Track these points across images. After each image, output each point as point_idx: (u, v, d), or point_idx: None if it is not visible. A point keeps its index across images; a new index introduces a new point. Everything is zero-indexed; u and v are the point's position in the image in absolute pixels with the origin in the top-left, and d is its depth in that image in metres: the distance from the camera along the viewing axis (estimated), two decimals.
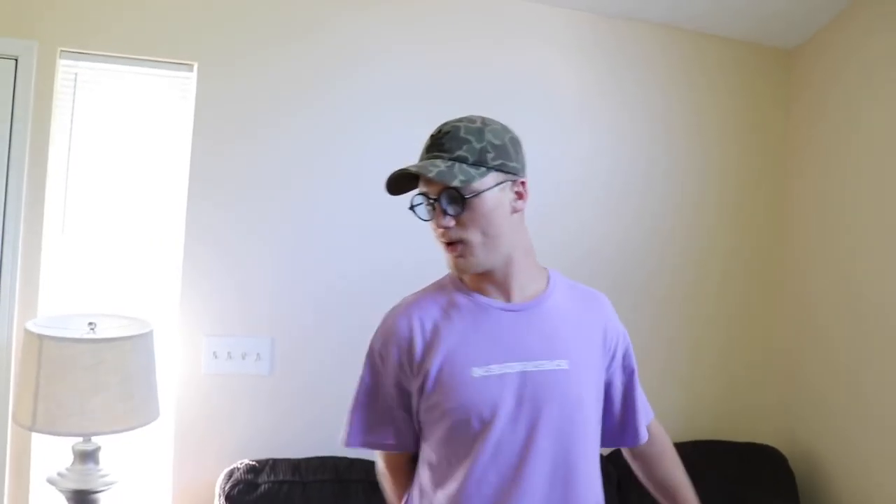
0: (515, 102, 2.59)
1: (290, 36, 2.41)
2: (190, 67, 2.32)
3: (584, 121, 2.70)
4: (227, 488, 2.07)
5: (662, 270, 2.76)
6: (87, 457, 1.95)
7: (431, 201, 1.20)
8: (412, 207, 1.23)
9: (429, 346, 1.20)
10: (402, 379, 1.23)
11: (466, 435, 1.17)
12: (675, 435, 1.84)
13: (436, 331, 1.21)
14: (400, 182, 1.23)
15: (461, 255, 1.19)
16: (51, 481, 1.92)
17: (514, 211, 1.21)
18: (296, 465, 2.18)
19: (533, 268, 1.27)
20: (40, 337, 1.84)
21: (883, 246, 2.46)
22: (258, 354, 2.30)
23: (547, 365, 1.19)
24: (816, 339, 2.75)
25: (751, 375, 2.87)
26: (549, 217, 2.60)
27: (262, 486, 2.08)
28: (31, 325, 1.90)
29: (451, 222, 1.17)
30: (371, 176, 2.47)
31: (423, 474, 1.25)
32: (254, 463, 2.16)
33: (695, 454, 2.47)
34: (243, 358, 2.29)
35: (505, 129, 1.23)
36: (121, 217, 2.28)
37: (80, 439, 1.95)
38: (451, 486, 1.18)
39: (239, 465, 2.15)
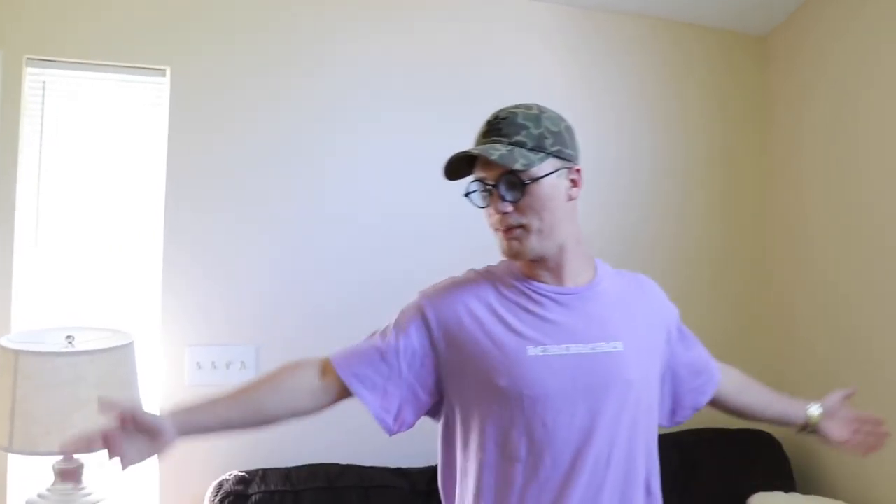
0: (496, 97, 2.56)
1: (267, 36, 2.37)
2: (162, 72, 2.27)
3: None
4: (216, 501, 2.01)
5: (654, 266, 2.73)
6: (68, 475, 1.88)
7: (488, 187, 1.18)
8: (467, 194, 1.22)
9: (480, 324, 1.19)
10: (429, 348, 1.21)
11: (520, 415, 1.15)
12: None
13: (490, 309, 1.20)
14: (453, 167, 1.21)
15: (517, 239, 1.18)
16: (31, 503, 1.85)
17: (570, 199, 1.21)
18: (286, 474, 2.12)
19: (584, 256, 1.27)
20: (16, 352, 1.77)
21: (863, 230, 2.47)
22: (243, 363, 2.24)
23: (603, 347, 1.19)
24: (803, 334, 2.76)
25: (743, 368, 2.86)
26: None
27: (253, 497, 2.02)
28: (5, 341, 1.82)
29: (510, 208, 1.16)
30: (357, 177, 2.45)
31: (485, 476, 1.18)
32: (243, 474, 2.10)
33: (691, 442, 2.48)
34: (228, 367, 2.23)
35: (560, 117, 1.23)
36: (96, 226, 2.22)
37: (61, 458, 1.88)
38: (508, 475, 1.15)
39: (228, 477, 2.08)
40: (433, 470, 2.26)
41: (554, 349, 1.16)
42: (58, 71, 2.17)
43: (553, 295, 1.21)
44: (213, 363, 2.21)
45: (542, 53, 2.67)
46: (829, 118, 2.64)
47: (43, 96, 2.16)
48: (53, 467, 1.88)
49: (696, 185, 2.84)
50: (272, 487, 2.06)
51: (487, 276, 1.27)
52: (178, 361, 2.20)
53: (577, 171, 1.22)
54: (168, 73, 2.26)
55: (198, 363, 2.20)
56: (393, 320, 1.26)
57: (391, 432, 1.23)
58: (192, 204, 2.26)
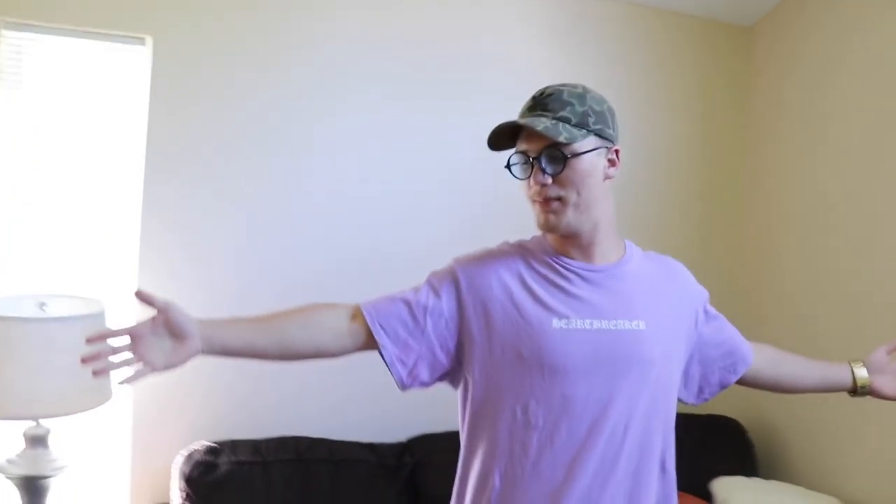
0: (478, 78, 2.59)
1: (250, 11, 2.35)
2: (142, 41, 2.25)
3: None
4: (186, 470, 2.03)
5: None
6: (37, 441, 1.89)
7: (530, 159, 1.21)
8: (508, 166, 1.25)
9: (509, 294, 1.22)
10: (456, 312, 1.24)
11: (539, 384, 1.18)
12: None
13: (519, 280, 1.24)
14: (496, 140, 1.25)
15: (554, 213, 1.21)
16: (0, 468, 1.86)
17: (606, 178, 1.25)
18: (256, 446, 2.15)
19: (614, 236, 1.31)
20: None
21: (843, 220, 2.51)
22: None
23: (626, 325, 1.22)
24: (772, 322, 2.80)
25: None
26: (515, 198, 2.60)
27: (223, 467, 2.05)
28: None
29: (550, 180, 1.19)
30: (339, 154, 2.45)
31: (500, 442, 1.22)
32: (213, 444, 2.12)
33: None
34: None
35: (603, 99, 1.27)
36: (73, 194, 2.20)
37: (31, 423, 1.89)
38: (524, 442, 1.19)
39: (198, 447, 2.11)
40: (402, 445, 2.31)
41: (577, 323, 1.19)
42: (35, 35, 2.15)
43: (581, 271, 1.25)
44: None
45: (527, 36, 2.68)
46: (807, 109, 2.67)
47: (20, 61, 2.14)
48: (24, 433, 1.89)
49: (677, 172, 2.87)
50: (242, 458, 2.09)
51: (519, 250, 1.31)
52: None
53: (616, 151, 1.26)
54: (149, 42, 2.24)
55: None
56: (424, 280, 1.29)
57: (403, 385, 1.24)
58: (172, 176, 2.25)
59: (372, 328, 1.21)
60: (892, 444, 2.28)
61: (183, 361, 1.07)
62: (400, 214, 2.50)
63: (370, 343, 1.22)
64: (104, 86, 2.24)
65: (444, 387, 1.33)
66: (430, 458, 2.27)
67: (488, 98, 2.58)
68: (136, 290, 1.08)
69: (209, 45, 2.30)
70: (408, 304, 1.23)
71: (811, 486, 2.51)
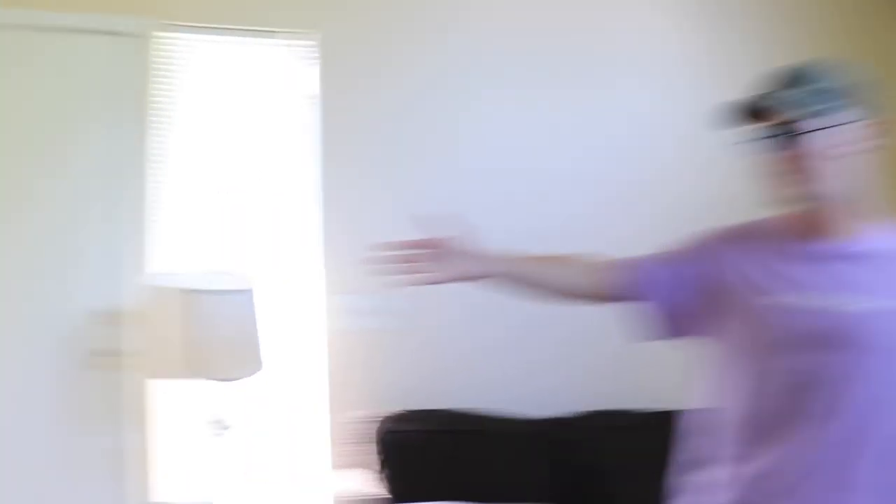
0: (618, 65, 2.63)
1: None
2: (310, 37, 2.38)
3: (684, 81, 2.65)
4: (381, 435, 2.12)
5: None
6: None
7: (769, 136, 1.25)
8: (746, 141, 1.30)
9: (744, 267, 1.27)
10: (703, 277, 1.30)
11: (747, 354, 1.24)
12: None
13: (754, 254, 1.29)
14: (733, 115, 1.29)
15: (792, 185, 1.24)
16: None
17: (851, 154, 1.24)
18: (446, 417, 2.20)
19: (854, 213, 1.28)
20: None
21: None
22: (396, 310, 2.29)
23: (848, 305, 1.21)
24: None
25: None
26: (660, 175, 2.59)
27: (414, 434, 2.13)
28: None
29: (787, 155, 1.22)
30: (488, 140, 2.49)
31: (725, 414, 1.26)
32: (407, 411, 2.19)
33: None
34: (383, 314, 2.30)
35: (849, 73, 1.27)
36: (251, 187, 2.38)
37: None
38: (741, 410, 1.24)
39: (392, 414, 2.18)
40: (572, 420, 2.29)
41: (798, 300, 1.21)
42: (195, 36, 2.31)
43: (810, 251, 1.25)
44: (371, 309, 2.29)
45: (662, 21, 2.68)
46: None
47: (189, 61, 2.30)
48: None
49: None
50: (434, 427, 2.17)
51: (762, 225, 1.34)
52: (332, 307, 2.32)
53: (869, 125, 1.23)
54: (316, 38, 2.37)
55: (354, 308, 2.30)
56: (679, 243, 1.35)
57: (652, 335, 1.33)
58: (346, 167, 2.38)
59: (628, 282, 1.30)
60: None
61: (464, 279, 1.24)
62: (546, 193, 2.54)
63: (621, 295, 1.31)
64: (267, 83, 2.40)
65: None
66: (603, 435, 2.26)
67: (630, 80, 2.64)
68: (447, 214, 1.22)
69: (373, 39, 2.43)
70: (662, 263, 1.32)
71: None
